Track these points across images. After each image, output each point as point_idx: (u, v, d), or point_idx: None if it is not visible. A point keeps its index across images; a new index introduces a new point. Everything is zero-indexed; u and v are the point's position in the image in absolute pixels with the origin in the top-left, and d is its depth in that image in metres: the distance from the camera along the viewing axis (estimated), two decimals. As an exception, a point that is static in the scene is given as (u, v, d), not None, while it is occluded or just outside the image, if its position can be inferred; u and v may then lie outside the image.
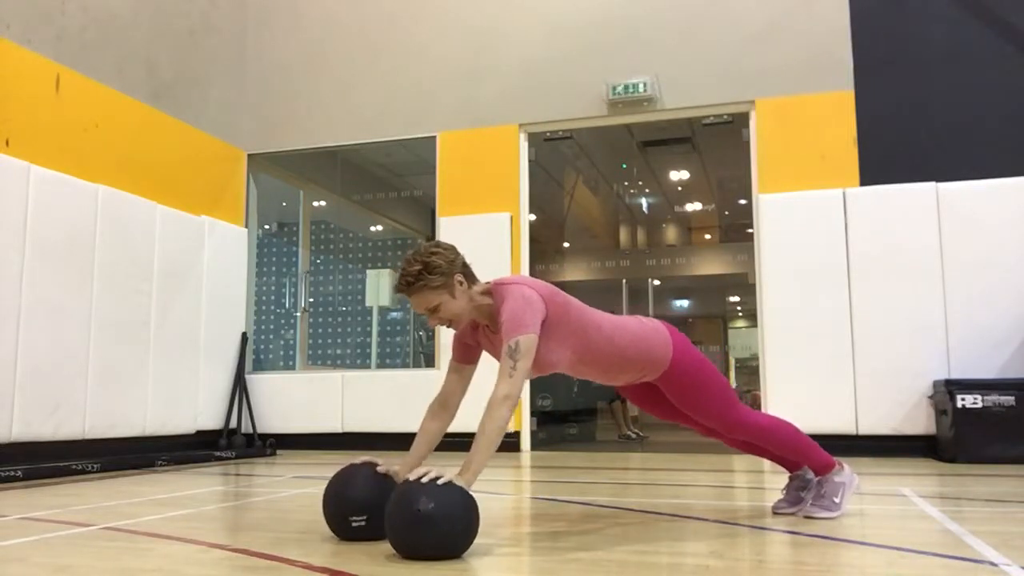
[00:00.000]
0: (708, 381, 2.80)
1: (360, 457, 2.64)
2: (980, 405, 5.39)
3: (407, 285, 2.48)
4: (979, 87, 6.19)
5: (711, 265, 15.12)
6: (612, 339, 2.65)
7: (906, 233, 6.02)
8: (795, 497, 3.00)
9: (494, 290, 2.55)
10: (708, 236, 16.28)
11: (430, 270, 2.45)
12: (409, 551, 2.21)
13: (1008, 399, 5.37)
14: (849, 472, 2.94)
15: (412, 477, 2.26)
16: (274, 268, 9.43)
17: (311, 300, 8.97)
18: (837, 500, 2.88)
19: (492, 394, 2.37)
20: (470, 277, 2.55)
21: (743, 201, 12.61)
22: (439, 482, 2.21)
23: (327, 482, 2.60)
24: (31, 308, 5.24)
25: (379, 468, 2.58)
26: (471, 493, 2.25)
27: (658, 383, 2.82)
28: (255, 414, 7.28)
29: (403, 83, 7.52)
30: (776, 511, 3.01)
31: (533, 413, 7.02)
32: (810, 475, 2.98)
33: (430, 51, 7.49)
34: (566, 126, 7.30)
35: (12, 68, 5.41)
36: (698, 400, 2.80)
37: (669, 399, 2.87)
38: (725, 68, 6.71)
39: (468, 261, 2.57)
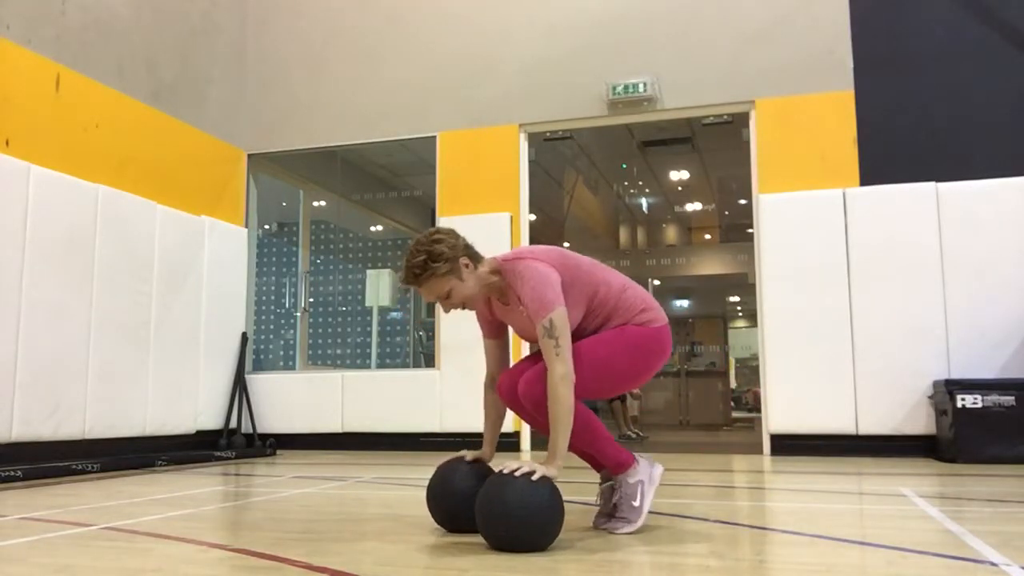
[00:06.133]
0: (625, 362, 2.58)
1: (449, 458, 2.69)
2: (980, 405, 5.39)
3: (415, 276, 2.49)
4: (979, 87, 6.19)
5: (711, 265, 15.14)
6: (620, 295, 2.63)
7: (906, 233, 6.03)
8: (605, 512, 2.74)
9: (503, 268, 2.56)
10: (708, 236, 16.30)
11: (435, 258, 2.46)
12: (499, 544, 2.29)
13: (1008, 399, 5.37)
14: (647, 465, 2.66)
15: (506, 471, 2.31)
16: (274, 268, 9.42)
17: (311, 300, 8.97)
18: (636, 503, 2.62)
19: (549, 378, 2.39)
20: (475, 257, 2.56)
21: (743, 201, 12.63)
22: (534, 477, 2.28)
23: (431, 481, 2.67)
24: (31, 308, 5.25)
25: (467, 457, 2.65)
26: (556, 486, 2.33)
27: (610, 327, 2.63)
28: (255, 414, 7.28)
29: (403, 83, 7.52)
30: (595, 526, 2.72)
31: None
32: (610, 486, 2.70)
33: (430, 51, 7.49)
34: (566, 126, 7.30)
35: (12, 68, 5.41)
36: (599, 355, 2.55)
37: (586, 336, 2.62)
38: (725, 68, 6.71)
39: (471, 243, 2.58)
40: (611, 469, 2.67)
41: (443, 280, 2.48)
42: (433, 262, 2.46)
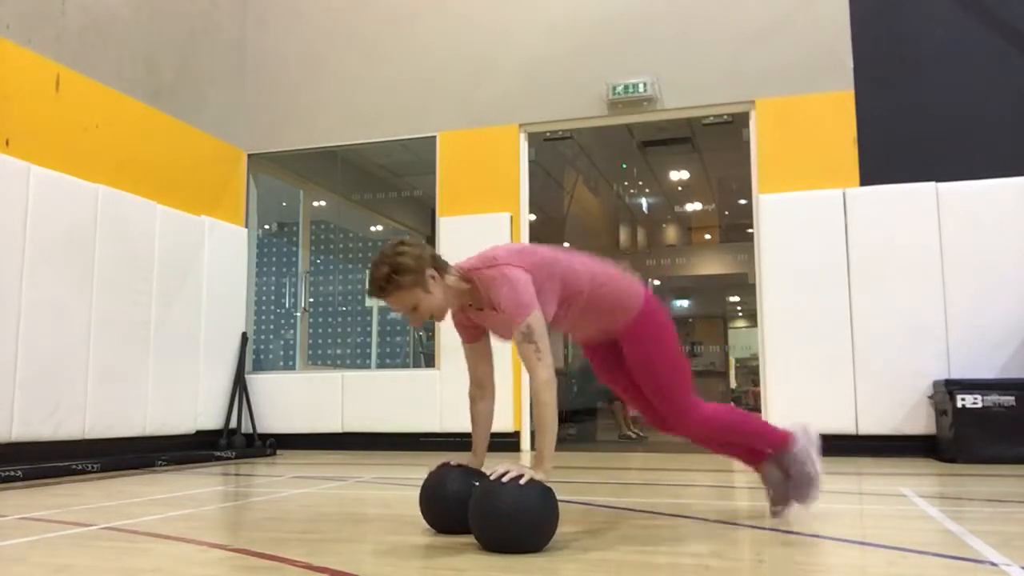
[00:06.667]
0: (669, 350, 2.71)
1: (440, 461, 2.69)
2: (980, 405, 5.39)
3: (380, 289, 2.46)
4: (979, 87, 6.19)
5: (711, 265, 15.14)
6: (590, 279, 2.62)
7: (906, 233, 6.02)
8: (782, 496, 2.88)
9: (473, 276, 2.53)
10: (708, 236, 16.29)
11: (399, 270, 2.43)
12: (494, 546, 2.29)
13: (1008, 399, 5.37)
14: (803, 431, 2.82)
15: (493, 476, 2.32)
16: (274, 268, 9.42)
17: (311, 300, 8.97)
18: (809, 469, 2.76)
19: (532, 384, 2.41)
20: (442, 268, 2.53)
21: (743, 201, 12.62)
22: (521, 481, 2.28)
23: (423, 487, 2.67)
24: (31, 308, 5.24)
25: (452, 462, 2.65)
26: (549, 486, 2.33)
27: (622, 340, 2.73)
28: (255, 414, 7.28)
29: (403, 83, 7.52)
30: (774, 515, 2.92)
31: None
32: (777, 466, 2.86)
33: (430, 51, 7.49)
34: (566, 126, 7.30)
35: (12, 68, 5.41)
36: (655, 368, 2.69)
37: (628, 363, 2.76)
38: (725, 68, 6.71)
39: (437, 252, 2.56)
40: (778, 449, 2.80)
41: (409, 293, 2.46)
42: (397, 274, 2.43)
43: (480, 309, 2.60)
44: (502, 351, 2.83)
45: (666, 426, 2.82)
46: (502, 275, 2.47)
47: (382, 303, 8.72)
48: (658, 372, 2.71)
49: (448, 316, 2.66)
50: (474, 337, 2.72)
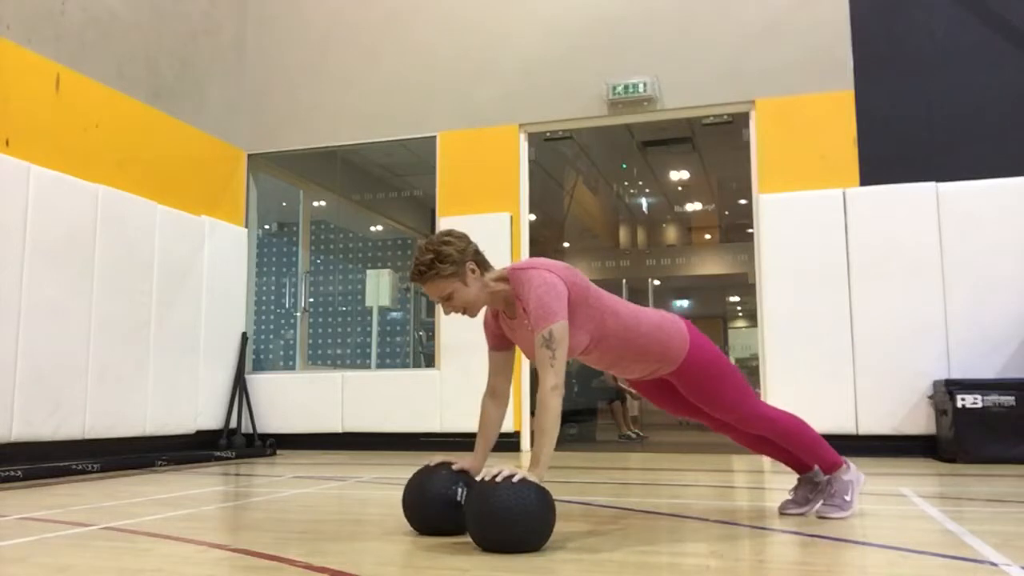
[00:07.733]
0: (723, 376, 2.78)
1: (434, 459, 2.68)
2: (980, 405, 5.39)
3: (420, 274, 2.52)
4: (979, 87, 6.18)
5: (711, 265, 15.14)
6: (629, 327, 2.63)
7: (906, 233, 6.02)
8: (803, 499, 2.98)
9: (511, 276, 2.56)
10: (708, 236, 16.29)
11: (441, 259, 2.48)
12: (492, 546, 2.29)
13: (1008, 399, 5.37)
14: (855, 470, 2.93)
15: (487, 477, 2.32)
16: (274, 268, 9.44)
17: (311, 300, 8.98)
18: (848, 498, 2.87)
19: (540, 388, 2.43)
20: (483, 264, 2.57)
21: (743, 201, 12.63)
22: (514, 479, 2.28)
23: (407, 482, 2.66)
24: (31, 308, 5.24)
25: (454, 466, 2.63)
26: (544, 486, 2.32)
27: (672, 378, 2.81)
28: (255, 414, 7.28)
29: (403, 83, 7.52)
30: (783, 511, 2.99)
31: (533, 413, 7.01)
32: (820, 477, 2.97)
33: (430, 51, 7.49)
34: (566, 126, 7.30)
35: (12, 68, 5.41)
36: (712, 394, 2.79)
37: (683, 393, 2.85)
38: (725, 68, 6.70)
39: (481, 249, 2.60)
40: (827, 469, 2.92)
41: (447, 282, 2.50)
42: (439, 262, 2.48)
43: (512, 318, 2.60)
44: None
45: (730, 432, 2.96)
46: (539, 276, 2.48)
47: (383, 303, 8.73)
48: (715, 397, 2.80)
49: (480, 315, 2.68)
50: (500, 345, 2.72)
